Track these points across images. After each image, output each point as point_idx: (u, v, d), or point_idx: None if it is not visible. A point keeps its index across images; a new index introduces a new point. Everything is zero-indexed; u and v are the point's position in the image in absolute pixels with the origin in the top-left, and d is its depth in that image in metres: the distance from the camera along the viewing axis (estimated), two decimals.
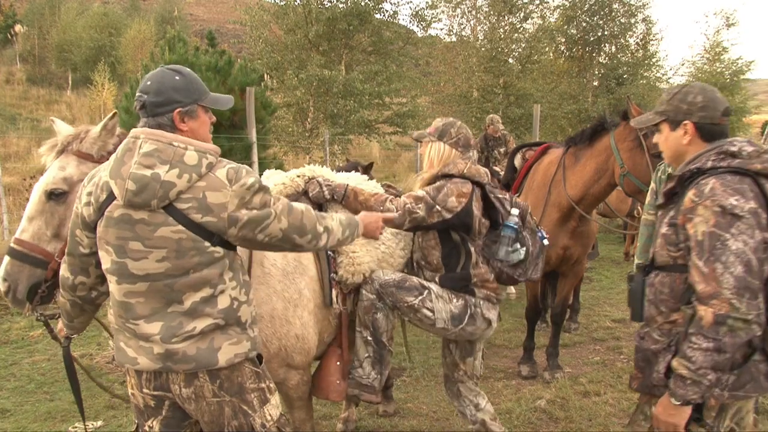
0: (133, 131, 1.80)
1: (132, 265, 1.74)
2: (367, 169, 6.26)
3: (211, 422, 1.86)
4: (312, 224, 1.92)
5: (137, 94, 1.83)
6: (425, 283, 2.62)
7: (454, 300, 2.60)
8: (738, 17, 23.64)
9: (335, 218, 2.06)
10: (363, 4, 16.24)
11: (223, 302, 1.81)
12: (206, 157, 1.75)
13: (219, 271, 1.80)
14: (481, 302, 2.63)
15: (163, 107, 1.79)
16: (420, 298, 2.55)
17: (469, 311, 2.60)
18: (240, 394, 1.86)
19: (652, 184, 3.60)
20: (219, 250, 1.79)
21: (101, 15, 31.01)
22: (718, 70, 22.85)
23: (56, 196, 2.09)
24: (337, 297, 2.59)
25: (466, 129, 2.71)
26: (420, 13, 18.43)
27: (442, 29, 43.72)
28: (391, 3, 22.13)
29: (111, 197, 1.75)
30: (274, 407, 1.96)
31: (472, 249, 2.64)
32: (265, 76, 16.03)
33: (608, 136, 4.14)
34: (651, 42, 20.39)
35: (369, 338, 2.61)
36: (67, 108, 22.97)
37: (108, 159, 2.14)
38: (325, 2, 16.42)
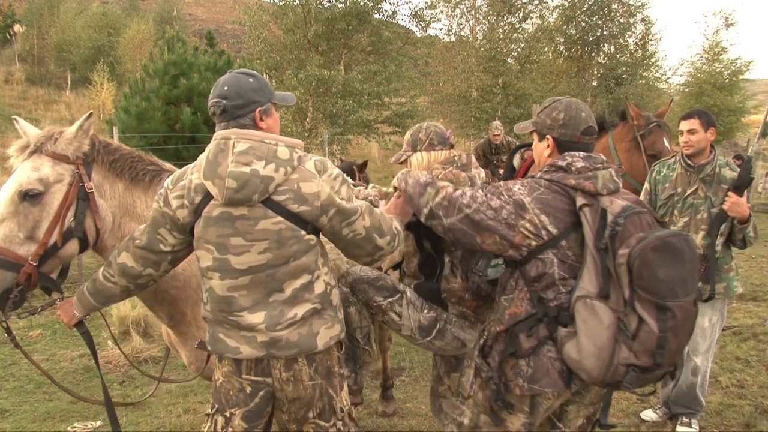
0: (221, 133, 1.85)
1: (234, 260, 1.82)
2: (362, 168, 6.27)
3: (305, 404, 1.94)
4: (388, 226, 2.01)
5: (214, 100, 1.89)
6: (400, 286, 2.50)
7: (426, 311, 2.46)
8: (737, 17, 23.54)
9: (395, 220, 2.12)
10: (362, 4, 16.24)
11: (319, 287, 1.92)
12: (296, 151, 1.86)
13: (314, 258, 1.90)
14: (454, 319, 2.47)
15: (244, 108, 1.88)
16: (389, 300, 2.46)
17: (438, 325, 2.46)
18: (328, 377, 1.96)
19: (646, 185, 3.61)
20: (313, 238, 1.89)
21: (100, 15, 31.03)
22: (717, 70, 22.88)
23: (31, 197, 2.04)
24: None
25: (434, 126, 2.64)
26: (419, 13, 18.45)
27: (441, 29, 43.74)
28: (390, 3, 22.07)
29: (207, 198, 1.81)
30: (347, 394, 2.06)
31: (446, 259, 2.49)
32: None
33: (607, 137, 4.15)
34: (650, 42, 20.45)
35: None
36: (66, 108, 22.98)
37: (83, 160, 2.15)
38: (324, 2, 16.42)
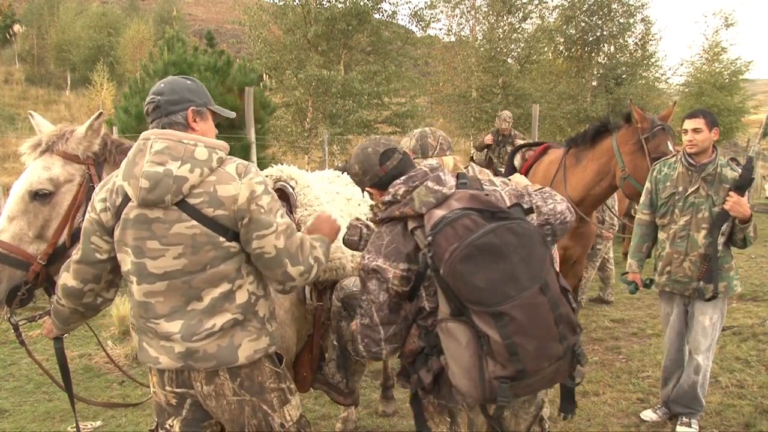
0: (144, 134, 1.81)
1: (151, 265, 1.76)
2: None
3: (232, 421, 1.88)
4: (305, 256, 1.89)
5: (150, 97, 1.85)
6: None
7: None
8: (737, 17, 23.45)
9: (319, 247, 2.01)
10: (362, 4, 16.22)
11: (241, 297, 1.84)
12: (216, 152, 1.79)
13: (236, 266, 1.82)
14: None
15: (177, 105, 1.83)
16: None
17: None
18: (260, 394, 1.89)
19: (647, 184, 3.61)
20: (235, 245, 1.80)
21: (100, 15, 31.06)
22: (717, 70, 22.83)
23: (41, 197, 2.05)
24: (311, 294, 2.58)
25: (438, 130, 2.47)
26: (419, 13, 18.41)
27: (441, 29, 43.71)
28: (390, 3, 22.00)
29: (126, 200, 1.77)
30: (295, 408, 1.99)
31: None
32: (264, 76, 16.04)
33: (610, 138, 4.15)
34: (650, 42, 20.38)
35: (335, 343, 2.60)
36: (66, 108, 22.98)
37: (93, 160, 2.15)
38: (324, 2, 16.41)
